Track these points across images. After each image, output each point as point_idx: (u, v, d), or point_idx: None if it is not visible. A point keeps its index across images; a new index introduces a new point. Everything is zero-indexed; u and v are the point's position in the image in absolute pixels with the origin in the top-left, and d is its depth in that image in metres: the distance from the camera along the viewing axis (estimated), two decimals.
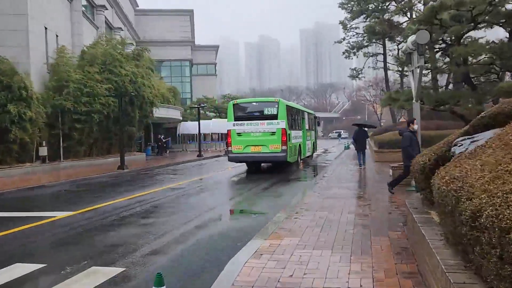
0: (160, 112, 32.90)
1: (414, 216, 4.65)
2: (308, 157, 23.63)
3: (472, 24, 10.93)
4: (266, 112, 17.44)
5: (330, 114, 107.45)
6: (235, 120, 17.55)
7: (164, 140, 37.19)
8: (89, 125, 22.39)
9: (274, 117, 17.11)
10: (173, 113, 37.08)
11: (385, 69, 35.92)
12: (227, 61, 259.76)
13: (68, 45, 25.89)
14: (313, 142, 25.88)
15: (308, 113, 24.87)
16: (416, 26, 11.35)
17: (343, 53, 36.93)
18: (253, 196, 11.11)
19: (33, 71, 20.91)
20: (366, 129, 17.83)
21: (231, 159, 17.68)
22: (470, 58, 11.20)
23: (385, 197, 9.26)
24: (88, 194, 12.54)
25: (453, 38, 11.15)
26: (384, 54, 35.48)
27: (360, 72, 37.64)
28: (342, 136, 72.19)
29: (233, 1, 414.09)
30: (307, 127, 22.81)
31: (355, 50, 37.03)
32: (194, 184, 13.97)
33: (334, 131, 75.99)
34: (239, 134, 17.35)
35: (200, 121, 43.56)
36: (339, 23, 36.32)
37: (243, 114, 17.74)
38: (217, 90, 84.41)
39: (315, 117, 27.58)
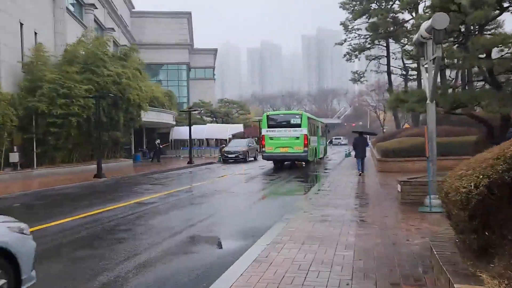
0: (150, 116, 31.06)
1: (452, 279, 2.73)
2: (320, 158, 27.91)
3: (498, 10, 9.07)
4: (292, 122, 22.74)
5: (331, 120, 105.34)
6: (268, 128, 22.84)
7: (162, 146, 35.26)
8: (67, 129, 20.52)
9: (298, 125, 22.40)
10: (165, 118, 35.26)
11: (389, 72, 34.08)
12: (228, 67, 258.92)
13: (50, 44, 24.15)
14: (325, 147, 31.02)
15: (321, 122, 30.05)
16: (429, 13, 9.52)
17: (344, 55, 35.10)
18: (227, 218, 9.21)
19: (3, 70, 19.15)
20: (366, 136, 18.12)
21: (265, 158, 23.16)
22: (494, 51, 9.31)
23: (392, 221, 7.33)
24: (41, 210, 10.67)
25: (473, 27, 9.33)
26: (388, 56, 33.64)
27: (362, 75, 35.76)
28: (342, 142, 70.16)
29: (234, 7, 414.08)
30: (320, 134, 27.68)
31: (357, 52, 35.23)
32: (168, 198, 12.05)
33: (333, 137, 73.93)
34: (271, 138, 22.58)
35: (194, 126, 42.07)
36: (340, 24, 34.54)
37: (274, 123, 23.02)
38: (217, 95, 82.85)
39: (326, 126, 32.79)
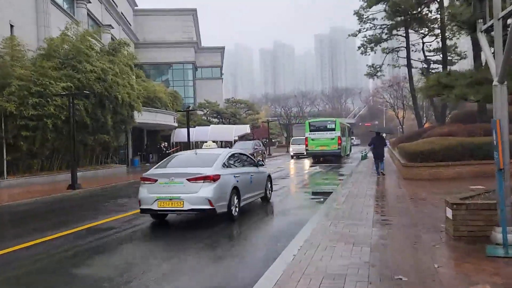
0: (146, 117, 28.50)
1: None
2: (347, 154, 34.56)
3: None
4: (328, 126, 29.67)
5: (345, 119, 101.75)
6: (310, 131, 29.85)
7: (171, 150, 32.65)
8: (42, 132, 18.01)
9: (333, 129, 29.21)
10: (163, 119, 32.62)
11: (409, 64, 30.79)
12: (241, 68, 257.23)
13: (32, 38, 21.83)
14: (350, 145, 38.32)
15: (347, 125, 37.66)
16: None
17: (359, 47, 31.94)
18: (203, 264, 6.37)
19: None
20: (384, 135, 18.11)
21: (308, 154, 30.50)
22: None
23: (451, 279, 4.38)
24: None
25: None
26: (407, 47, 30.39)
27: (379, 69, 32.49)
28: (354, 143, 66.66)
29: (247, 8, 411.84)
30: (347, 135, 34.51)
31: (372, 44, 32.03)
32: (136, 220, 9.27)
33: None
34: (312, 139, 29.39)
35: (197, 127, 39.47)
36: (354, 14, 31.37)
37: (314, 128, 30.01)
38: (229, 96, 79.98)
39: (350, 128, 39.50)
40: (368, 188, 12.42)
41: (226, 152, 9.38)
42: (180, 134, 36.64)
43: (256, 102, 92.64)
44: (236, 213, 8.56)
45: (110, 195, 14.59)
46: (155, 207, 8.05)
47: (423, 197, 10.09)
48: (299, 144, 35.42)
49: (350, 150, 37.86)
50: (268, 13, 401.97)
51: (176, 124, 36.63)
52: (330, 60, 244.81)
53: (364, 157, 29.29)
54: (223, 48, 61.15)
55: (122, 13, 44.52)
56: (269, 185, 11.23)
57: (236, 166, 9.35)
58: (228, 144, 35.76)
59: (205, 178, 7.95)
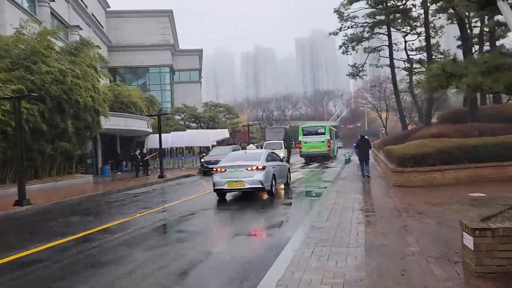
0: (116, 123, 26.58)
1: None
2: (335, 155, 37.74)
3: None
4: (318, 131, 33.95)
5: (328, 122, 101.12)
6: (303, 136, 33.76)
7: (148, 157, 30.37)
8: None
9: (323, 133, 33.56)
10: (136, 124, 30.66)
11: (392, 64, 29.67)
12: (223, 72, 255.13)
13: None
14: (336, 148, 41.53)
15: (335, 130, 43.24)
16: None
17: (340, 46, 30.68)
18: None
19: None
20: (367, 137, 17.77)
21: (302, 155, 33.42)
22: None
23: None
24: None
25: None
26: (390, 46, 29.27)
27: (361, 68, 31.29)
28: (338, 145, 65.74)
29: (228, 12, 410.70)
30: (334, 138, 39.12)
31: (354, 43, 30.86)
32: (69, 251, 7.49)
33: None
34: (305, 142, 33.14)
35: (173, 133, 37.56)
36: (334, 12, 30.16)
37: (306, 132, 33.99)
38: (208, 99, 78.00)
39: (336, 132, 44.77)
40: (355, 198, 10.91)
41: (265, 151, 14.29)
42: (154, 140, 34.59)
43: (237, 106, 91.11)
44: (274, 191, 13.13)
45: (62, 212, 12.70)
46: (225, 187, 12.44)
47: (421, 209, 8.60)
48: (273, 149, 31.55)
49: (337, 152, 41.24)
50: (250, 17, 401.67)
51: (150, 130, 34.68)
52: (311, 63, 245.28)
53: (347, 161, 27.97)
54: (201, 50, 59.38)
55: (93, 14, 42.38)
56: (289, 175, 15.77)
57: (272, 161, 13.76)
58: (205, 150, 33.95)
59: (258, 168, 12.41)
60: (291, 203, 12.03)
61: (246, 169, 12.28)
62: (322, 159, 33.63)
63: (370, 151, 17.79)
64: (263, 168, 12.39)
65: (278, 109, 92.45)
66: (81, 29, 35.92)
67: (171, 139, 34.38)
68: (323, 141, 33.09)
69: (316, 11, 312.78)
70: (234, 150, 28.29)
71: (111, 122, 25.07)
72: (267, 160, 13.01)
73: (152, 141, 34.16)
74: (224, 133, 37.58)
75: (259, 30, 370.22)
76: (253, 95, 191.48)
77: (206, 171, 25.20)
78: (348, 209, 9.23)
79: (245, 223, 9.25)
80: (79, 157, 23.80)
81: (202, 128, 45.08)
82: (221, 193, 12.97)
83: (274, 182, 12.93)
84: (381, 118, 52.07)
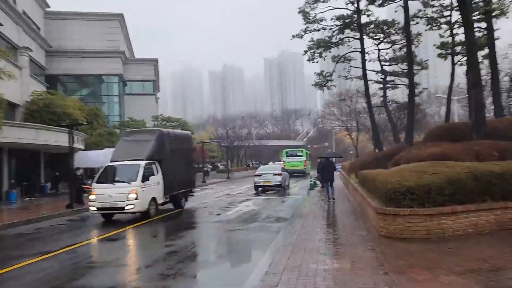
0: (17, 135, 20.78)
1: None
2: (308, 172, 44.61)
3: None
4: (298, 154, 46.99)
5: (294, 142, 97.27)
6: (286, 157, 46.09)
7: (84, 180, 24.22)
8: None
9: (301, 155, 46.54)
10: (52, 138, 24.78)
11: (364, 73, 25.53)
12: (190, 89, 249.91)
13: None
14: (309, 166, 48.97)
15: (309, 153, 56.22)
16: None
17: (305, 52, 26.31)
18: None
19: None
20: (333, 159, 19.25)
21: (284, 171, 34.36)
22: None
23: None
24: None
25: None
26: (362, 53, 25.17)
27: (329, 77, 26.93)
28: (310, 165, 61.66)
29: (197, 29, 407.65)
30: (309, 159, 50.44)
31: (321, 49, 26.64)
32: None
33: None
34: (288, 162, 42.71)
35: (107, 149, 31.75)
36: (299, 12, 25.95)
37: (289, 155, 46.76)
38: (174, 115, 72.29)
39: (310, 154, 56.18)
40: (317, 272, 6.00)
41: (281, 164, 31.67)
42: (85, 158, 28.79)
43: (202, 123, 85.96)
44: (287, 189, 25.82)
45: None
46: (261, 184, 24.77)
47: None
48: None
49: (310, 170, 47.53)
50: (218, 36, 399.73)
51: (80, 146, 28.91)
52: (279, 83, 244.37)
53: (312, 186, 23.33)
54: (156, 60, 54.07)
55: (24, 11, 36.51)
56: (289, 180, 28.04)
57: (284, 171, 26.62)
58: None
59: (279, 174, 24.97)
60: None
61: (273, 174, 24.84)
62: (300, 175, 42.35)
63: (336, 173, 18.26)
64: (281, 174, 25.02)
65: (243, 127, 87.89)
66: (2, 25, 30.01)
67: (104, 157, 28.62)
68: (301, 161, 45.14)
69: (285, 30, 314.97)
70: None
71: (13, 134, 19.40)
72: (282, 170, 26.13)
73: (81, 159, 28.30)
74: None
75: (228, 49, 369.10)
76: (220, 112, 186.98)
77: None
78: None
79: None
80: None
81: None
82: (258, 187, 24.75)
83: (287, 183, 26.12)
84: (351, 137, 48.22)
